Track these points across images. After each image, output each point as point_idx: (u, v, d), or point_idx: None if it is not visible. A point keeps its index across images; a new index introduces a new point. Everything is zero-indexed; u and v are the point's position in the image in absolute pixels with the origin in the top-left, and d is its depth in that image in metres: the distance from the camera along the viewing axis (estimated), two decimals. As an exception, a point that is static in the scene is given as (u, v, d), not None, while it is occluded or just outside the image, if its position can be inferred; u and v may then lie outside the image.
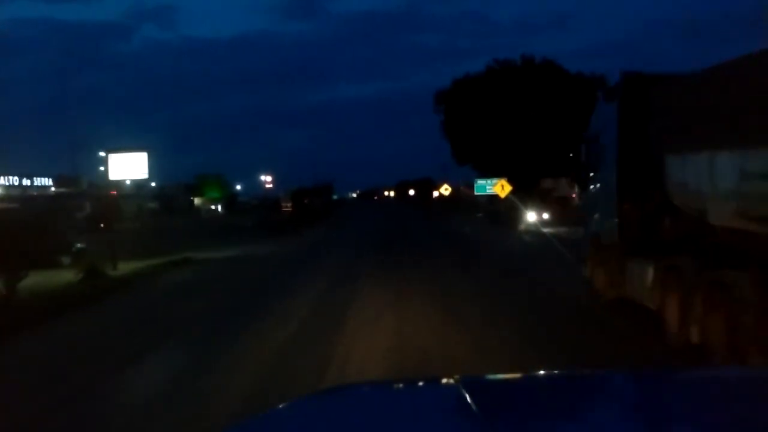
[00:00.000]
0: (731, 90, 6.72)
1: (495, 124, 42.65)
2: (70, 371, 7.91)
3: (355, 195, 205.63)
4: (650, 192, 8.83)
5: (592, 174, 11.63)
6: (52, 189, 65.91)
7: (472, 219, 44.65)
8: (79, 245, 18.95)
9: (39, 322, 10.89)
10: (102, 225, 23.85)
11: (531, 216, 34.43)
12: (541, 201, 37.52)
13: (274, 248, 24.86)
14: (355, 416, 1.70)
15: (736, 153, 6.55)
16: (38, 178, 66.88)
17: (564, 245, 21.85)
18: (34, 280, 13.70)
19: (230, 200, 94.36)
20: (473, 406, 1.61)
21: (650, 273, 8.45)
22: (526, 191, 40.54)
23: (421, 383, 2.37)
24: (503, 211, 41.22)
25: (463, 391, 1.74)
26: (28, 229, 14.44)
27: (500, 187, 38.84)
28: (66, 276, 15.44)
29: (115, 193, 37.60)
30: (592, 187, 11.75)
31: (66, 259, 17.34)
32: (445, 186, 68.51)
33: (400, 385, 2.30)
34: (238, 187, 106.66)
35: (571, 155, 11.76)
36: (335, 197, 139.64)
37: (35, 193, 57.12)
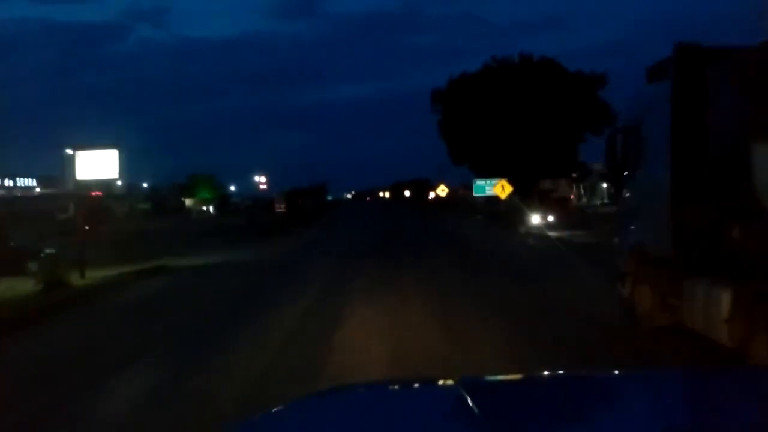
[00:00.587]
0: None
1: (492, 124, 41.31)
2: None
3: (350, 196, 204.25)
4: (723, 193, 6.89)
5: (626, 173, 9.73)
6: (37, 190, 64.64)
7: (471, 221, 42.85)
8: (48, 250, 17.16)
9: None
10: (87, 227, 22.25)
11: (535, 218, 32.81)
12: (540, 202, 35.91)
13: (261, 254, 23.47)
14: (355, 417, 1.69)
15: None
16: (21, 179, 65.10)
17: (574, 251, 20.10)
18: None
19: (222, 201, 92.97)
20: (473, 407, 1.59)
21: (726, 300, 6.49)
22: (524, 192, 38.97)
23: (421, 384, 2.32)
24: (503, 213, 39.67)
25: (463, 392, 1.72)
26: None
27: (500, 188, 37.22)
28: (29, 285, 14.29)
29: (100, 193, 35.90)
30: (628, 187, 9.82)
31: (33, 266, 15.95)
32: (442, 187, 66.62)
33: (400, 386, 2.26)
34: (233, 187, 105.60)
35: (606, 148, 9.76)
36: (330, 198, 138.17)
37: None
